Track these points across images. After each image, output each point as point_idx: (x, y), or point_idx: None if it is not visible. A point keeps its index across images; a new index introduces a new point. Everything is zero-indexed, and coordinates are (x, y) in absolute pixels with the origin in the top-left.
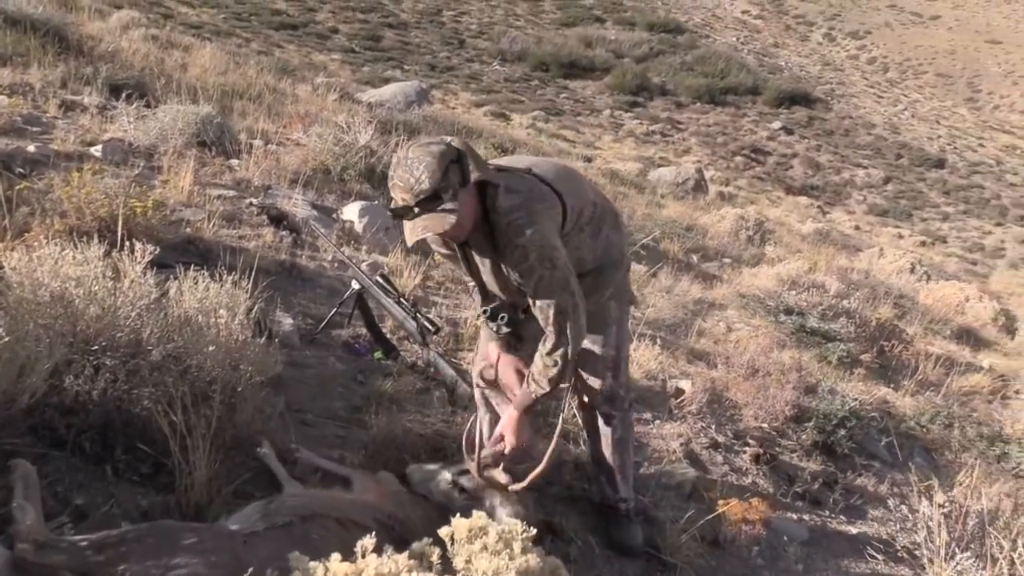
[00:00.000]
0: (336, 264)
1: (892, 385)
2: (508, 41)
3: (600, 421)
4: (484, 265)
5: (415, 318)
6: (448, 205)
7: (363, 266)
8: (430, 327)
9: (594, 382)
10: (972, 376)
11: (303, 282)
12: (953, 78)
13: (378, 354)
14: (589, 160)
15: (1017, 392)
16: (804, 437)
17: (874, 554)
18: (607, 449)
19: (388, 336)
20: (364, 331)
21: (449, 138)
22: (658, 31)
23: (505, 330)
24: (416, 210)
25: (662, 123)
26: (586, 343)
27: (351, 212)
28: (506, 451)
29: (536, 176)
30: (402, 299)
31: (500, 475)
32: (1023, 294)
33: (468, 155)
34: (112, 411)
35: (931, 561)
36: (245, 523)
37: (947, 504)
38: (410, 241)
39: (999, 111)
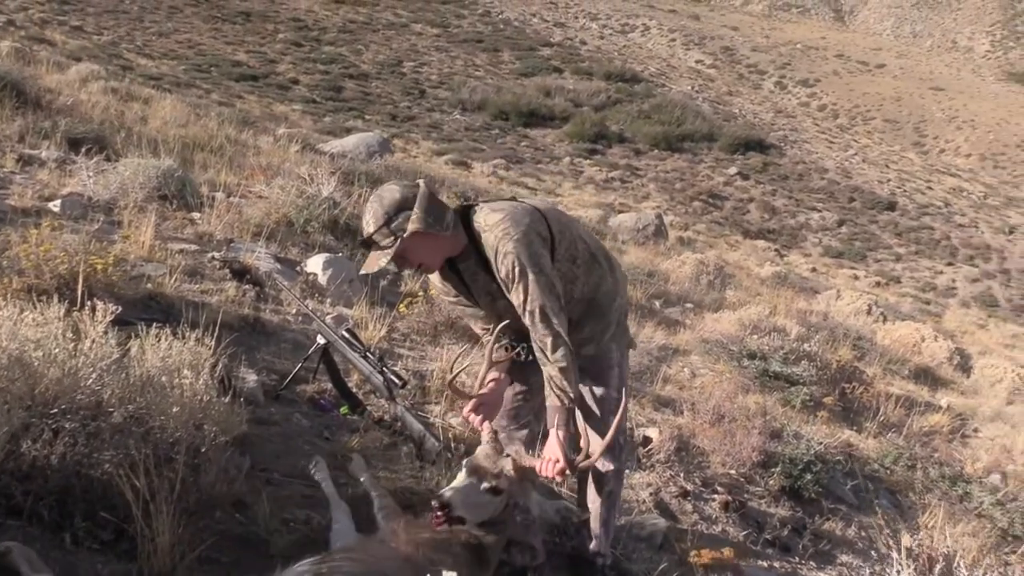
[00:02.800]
0: (300, 318)
1: (855, 427)
2: (468, 91)
3: (594, 473)
4: (485, 295)
5: (381, 372)
6: (386, 247)
7: (328, 319)
8: (397, 381)
9: (596, 426)
10: (931, 416)
11: (267, 337)
12: (900, 123)
13: (344, 409)
14: None
15: (975, 431)
16: (771, 483)
17: None
18: (595, 502)
19: (354, 391)
20: (330, 386)
21: (418, 183)
22: (615, 80)
23: (526, 358)
24: (370, 245)
25: (621, 170)
26: (589, 386)
27: (315, 265)
28: (561, 462)
29: (519, 201)
30: (368, 353)
31: (534, 462)
32: (976, 332)
33: (422, 204)
34: (71, 476)
35: None
36: None
37: (915, 548)
38: (363, 271)
39: (945, 155)
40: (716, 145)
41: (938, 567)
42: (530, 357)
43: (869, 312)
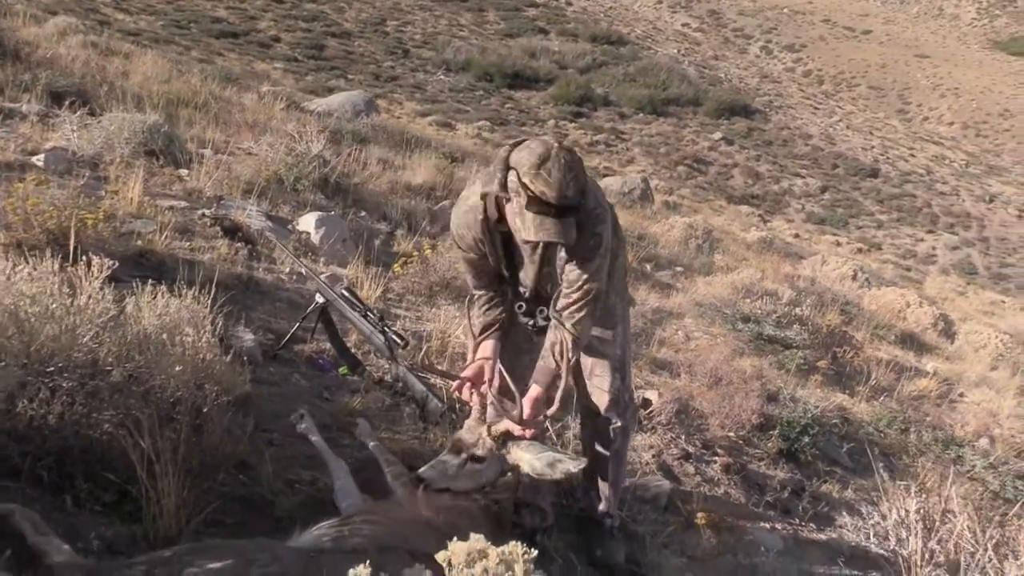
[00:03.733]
0: (295, 277)
1: (847, 391)
2: (452, 51)
3: (601, 431)
4: (532, 257)
5: (382, 332)
6: (573, 219)
7: (323, 278)
8: (398, 341)
9: (603, 383)
10: (920, 380)
11: (261, 296)
12: (885, 91)
13: (343, 370)
14: None
15: (961, 395)
16: (770, 445)
17: (851, 561)
18: (603, 461)
19: (353, 351)
20: (328, 346)
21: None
22: (601, 43)
23: (543, 323)
24: (554, 211)
25: (606, 133)
26: (595, 343)
27: (307, 223)
28: (522, 416)
29: None
30: (368, 312)
31: (508, 424)
32: (955, 299)
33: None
34: (70, 436)
35: (908, 568)
36: (314, 543)
37: (920, 510)
38: (535, 236)
39: (928, 123)
40: (701, 110)
41: (943, 529)
42: (541, 323)
43: (854, 278)
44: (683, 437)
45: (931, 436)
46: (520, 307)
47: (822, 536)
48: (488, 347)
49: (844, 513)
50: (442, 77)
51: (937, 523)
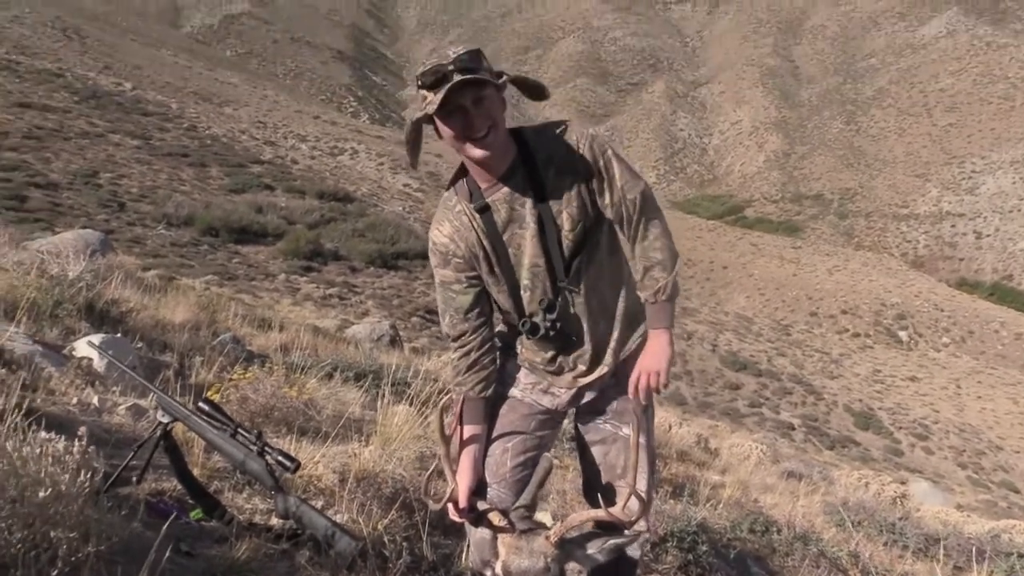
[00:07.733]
0: (89, 407)
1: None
2: (174, 205)
3: (624, 542)
4: (526, 229)
5: (262, 454)
6: (484, 77)
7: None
8: (286, 464)
9: (640, 482)
10: (721, 491)
11: (54, 433)
12: None
13: (196, 513)
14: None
15: (755, 500)
16: (670, 559)
17: None
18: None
19: (205, 486)
20: (168, 484)
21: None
22: (328, 199)
23: (550, 320)
24: (451, 69)
25: (339, 287)
26: (619, 429)
27: (87, 347)
28: (662, 376)
29: None
30: (240, 430)
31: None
32: (682, 425)
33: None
34: None
35: None
36: None
37: None
38: (438, 104)
39: None
40: (430, 263)
41: None
42: (555, 326)
43: None
44: None
45: (789, 534)
46: (524, 324)
47: None
48: (475, 417)
49: None
50: (163, 231)
51: None
